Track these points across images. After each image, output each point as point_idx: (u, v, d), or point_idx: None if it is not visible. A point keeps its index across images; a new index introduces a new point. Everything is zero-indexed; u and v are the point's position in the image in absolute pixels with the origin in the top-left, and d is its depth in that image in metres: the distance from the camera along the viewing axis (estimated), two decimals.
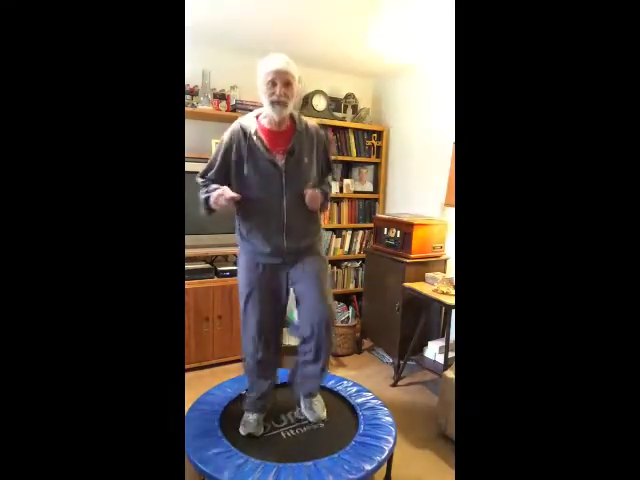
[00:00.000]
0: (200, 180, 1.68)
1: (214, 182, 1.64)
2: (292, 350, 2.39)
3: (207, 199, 1.60)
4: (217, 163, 1.64)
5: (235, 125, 1.65)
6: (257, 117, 1.66)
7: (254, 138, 1.60)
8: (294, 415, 1.90)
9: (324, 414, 1.84)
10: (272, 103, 1.54)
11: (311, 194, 1.62)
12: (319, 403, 1.86)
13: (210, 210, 1.63)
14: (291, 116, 1.67)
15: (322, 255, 1.82)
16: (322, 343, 1.73)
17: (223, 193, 1.52)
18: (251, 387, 1.85)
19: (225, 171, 1.64)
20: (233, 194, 1.53)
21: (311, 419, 1.82)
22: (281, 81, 1.53)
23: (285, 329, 2.21)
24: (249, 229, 1.69)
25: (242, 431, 1.76)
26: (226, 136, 1.64)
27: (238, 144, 1.61)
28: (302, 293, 1.75)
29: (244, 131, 1.62)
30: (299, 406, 1.90)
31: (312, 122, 1.74)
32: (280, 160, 1.60)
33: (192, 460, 1.53)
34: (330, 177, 1.84)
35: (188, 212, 2.06)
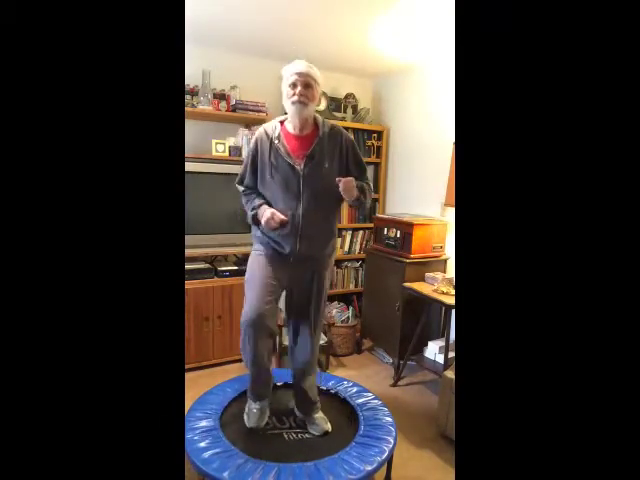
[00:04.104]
0: (240, 188, 1.79)
1: (253, 190, 1.75)
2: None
3: (254, 216, 1.70)
4: (248, 170, 1.74)
5: (260, 130, 1.73)
6: (282, 122, 1.72)
7: (276, 142, 1.65)
8: (296, 420, 1.89)
9: (328, 426, 1.82)
10: (292, 103, 1.60)
11: (345, 181, 1.60)
12: (321, 418, 1.85)
13: (259, 224, 1.71)
14: (315, 121, 1.71)
15: (327, 276, 1.84)
16: (307, 368, 1.86)
17: (273, 217, 1.61)
18: (250, 373, 1.83)
19: (257, 176, 1.72)
20: (282, 217, 1.62)
21: (317, 434, 1.81)
22: (301, 83, 1.59)
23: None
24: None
25: (246, 422, 1.78)
26: (252, 142, 1.74)
27: (262, 148, 1.68)
28: (295, 320, 1.85)
29: (268, 135, 1.68)
30: (304, 423, 1.89)
31: (337, 125, 1.76)
32: (300, 165, 1.63)
33: (192, 460, 1.53)
34: (367, 177, 1.80)
35: (188, 212, 2.06)
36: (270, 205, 1.68)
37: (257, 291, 1.70)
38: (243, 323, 1.72)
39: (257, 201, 1.71)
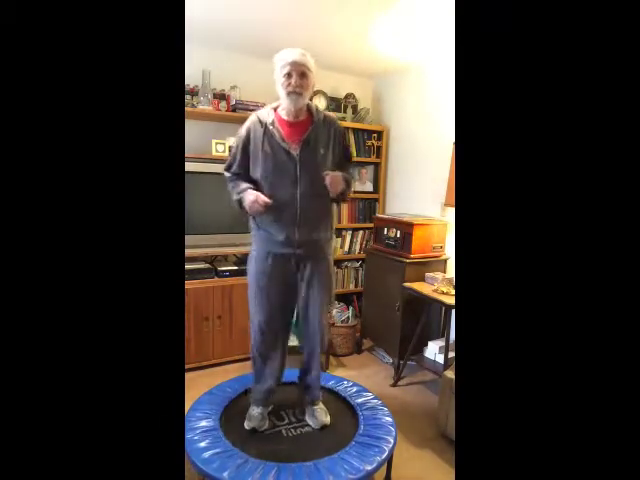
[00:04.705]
0: (227, 174, 1.75)
1: (240, 176, 1.70)
2: (296, 350, 2.40)
3: (240, 201, 1.66)
4: (238, 156, 1.70)
5: (252, 117, 1.70)
6: (275, 109, 1.69)
7: (270, 128, 1.63)
8: (295, 414, 1.90)
9: (327, 419, 1.83)
10: (288, 93, 1.58)
11: (332, 177, 1.61)
12: (321, 410, 1.86)
13: (245, 210, 1.67)
14: (308, 108, 1.69)
15: (330, 261, 1.82)
16: (314, 357, 1.85)
17: (257, 200, 1.57)
18: (256, 380, 1.86)
19: (247, 163, 1.69)
20: (266, 199, 1.58)
21: (314, 426, 1.82)
22: (296, 72, 1.56)
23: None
24: (263, 217, 1.69)
25: (247, 425, 1.77)
26: (243, 128, 1.69)
27: (255, 134, 1.65)
28: (303, 305, 1.78)
29: (261, 121, 1.66)
30: (303, 413, 1.90)
31: (330, 113, 1.77)
32: (295, 150, 1.62)
33: (192, 460, 1.53)
34: (350, 166, 1.83)
35: (188, 212, 2.06)
36: (258, 190, 1.63)
37: (268, 299, 1.73)
38: (256, 333, 1.78)
39: (243, 185, 1.66)
